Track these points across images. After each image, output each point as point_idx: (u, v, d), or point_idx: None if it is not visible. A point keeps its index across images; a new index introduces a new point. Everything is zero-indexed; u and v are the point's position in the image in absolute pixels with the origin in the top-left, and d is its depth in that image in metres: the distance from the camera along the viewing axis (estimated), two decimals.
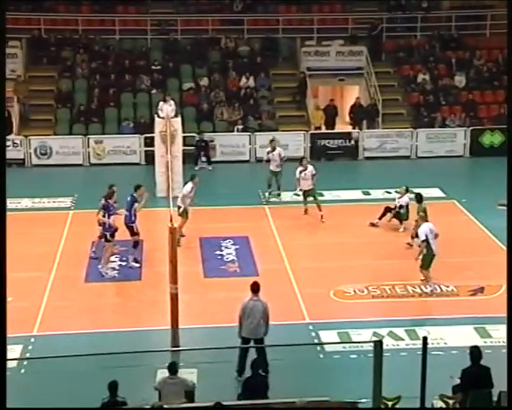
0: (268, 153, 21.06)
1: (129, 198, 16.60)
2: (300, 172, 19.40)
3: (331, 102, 27.16)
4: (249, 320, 12.08)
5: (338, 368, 12.85)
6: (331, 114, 26.71)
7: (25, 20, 27.68)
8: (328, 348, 13.29)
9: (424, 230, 15.18)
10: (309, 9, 29.48)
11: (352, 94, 28.40)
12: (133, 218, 16.46)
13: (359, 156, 25.60)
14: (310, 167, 19.50)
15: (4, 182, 8.43)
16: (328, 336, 13.78)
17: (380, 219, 18.65)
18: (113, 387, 10.11)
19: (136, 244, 16.65)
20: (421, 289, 15.46)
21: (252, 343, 12.12)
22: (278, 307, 14.89)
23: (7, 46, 26.94)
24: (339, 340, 13.61)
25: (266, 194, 20.84)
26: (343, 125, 27.72)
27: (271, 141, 21.56)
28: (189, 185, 17.78)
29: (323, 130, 26.54)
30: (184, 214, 17.55)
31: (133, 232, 16.52)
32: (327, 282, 15.80)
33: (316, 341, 13.69)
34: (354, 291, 15.53)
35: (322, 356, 13.13)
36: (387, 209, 18.74)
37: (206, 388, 11.19)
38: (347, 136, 25.84)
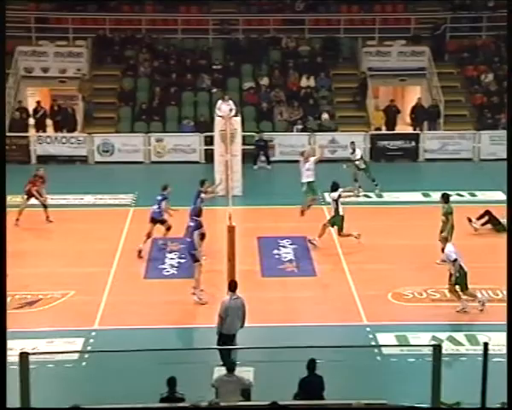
0: (351, 154, 21.61)
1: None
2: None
3: (392, 103, 26.91)
4: (230, 318, 12.34)
5: (395, 371, 12.73)
6: (392, 114, 26.47)
7: (91, 20, 28.25)
8: (385, 350, 13.17)
9: (452, 249, 14.75)
10: (371, 9, 29.27)
11: (414, 95, 28.08)
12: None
13: (420, 158, 25.30)
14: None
15: (4, 182, 8.58)
16: (385, 338, 13.65)
17: (478, 219, 18.46)
18: (172, 382, 10.24)
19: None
20: (483, 294, 15.18)
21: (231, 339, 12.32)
22: (335, 307, 14.90)
23: (74, 45, 27.66)
24: (396, 343, 13.48)
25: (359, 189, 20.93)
26: (404, 127, 27.43)
27: (352, 143, 21.90)
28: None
29: (384, 131, 26.33)
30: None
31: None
32: (385, 284, 15.66)
33: (373, 343, 13.59)
34: (413, 294, 15.36)
35: (379, 359, 13.02)
36: (487, 213, 18.49)
37: (263, 387, 11.20)
38: (408, 137, 25.59)
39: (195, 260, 15.07)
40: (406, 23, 28.60)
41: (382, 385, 12.26)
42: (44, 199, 19.08)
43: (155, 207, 17.24)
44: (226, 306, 12.33)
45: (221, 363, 11.65)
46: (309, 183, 19.15)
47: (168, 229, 17.32)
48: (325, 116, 26.01)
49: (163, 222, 17.25)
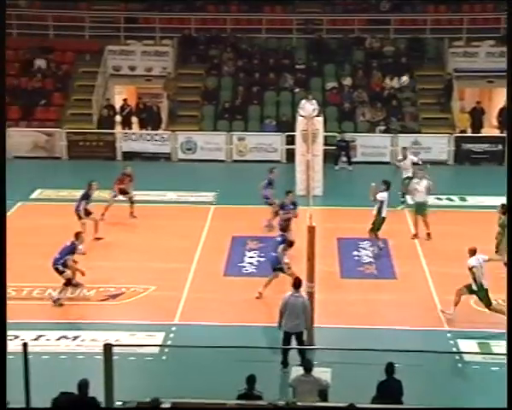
0: (399, 160, 20.78)
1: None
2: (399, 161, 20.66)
3: (478, 105, 26.32)
4: (290, 315, 12.31)
5: (477, 379, 12.45)
6: (478, 117, 25.89)
7: (177, 20, 28.74)
8: (467, 357, 12.90)
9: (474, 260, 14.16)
10: (459, 9, 28.70)
11: (501, 97, 27.31)
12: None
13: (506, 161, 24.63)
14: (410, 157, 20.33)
15: (4, 182, 8.71)
16: (467, 345, 13.37)
17: None
18: (251, 380, 10.31)
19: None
20: None
21: (293, 338, 12.40)
22: (415, 312, 14.68)
23: (160, 44, 28.20)
24: (479, 350, 13.18)
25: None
26: (490, 129, 26.77)
27: (404, 148, 21.24)
28: None
29: (469, 133, 25.77)
30: None
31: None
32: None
33: (454, 349, 13.33)
34: (496, 301, 14.97)
35: (460, 365, 12.77)
36: None
37: (340, 388, 11.17)
38: (494, 140, 24.97)
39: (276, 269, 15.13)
40: (495, 23, 27.89)
41: (462, 393, 12.02)
42: (131, 196, 19.50)
43: None
44: (285, 301, 12.46)
45: (298, 363, 11.68)
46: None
47: None
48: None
49: None
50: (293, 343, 12.46)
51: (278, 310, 12.56)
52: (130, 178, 19.58)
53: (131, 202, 19.46)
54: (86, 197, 18.07)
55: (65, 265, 14.85)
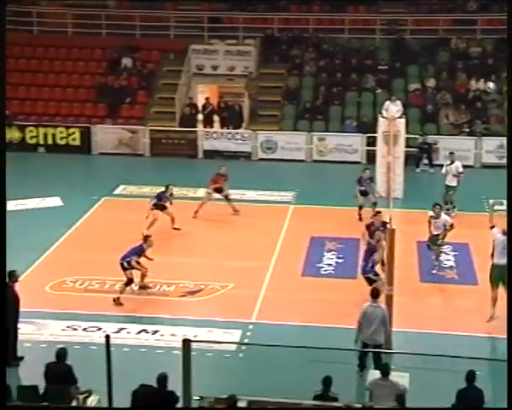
0: (446, 165, 20.10)
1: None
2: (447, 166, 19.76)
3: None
4: (367, 325, 12.02)
5: None
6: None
7: (260, 20, 28.89)
8: None
9: None
10: None
11: None
12: None
13: None
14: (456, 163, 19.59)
15: (4, 182, 8.78)
16: None
17: None
18: (327, 381, 10.29)
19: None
20: None
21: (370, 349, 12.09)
22: (497, 319, 14.31)
23: (243, 44, 28.41)
24: None
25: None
26: None
27: (451, 153, 20.62)
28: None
29: None
30: None
31: None
32: None
33: None
34: None
35: None
36: None
37: (418, 394, 11.01)
38: None
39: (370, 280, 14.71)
40: None
41: None
42: (227, 194, 19.68)
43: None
44: (363, 311, 12.22)
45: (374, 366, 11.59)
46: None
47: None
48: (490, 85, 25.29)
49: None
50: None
51: (356, 321, 12.35)
52: (225, 178, 19.75)
53: (228, 199, 19.67)
54: (158, 197, 18.39)
55: (129, 264, 15.13)
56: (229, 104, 26.99)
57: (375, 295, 12.35)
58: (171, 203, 18.51)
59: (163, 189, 18.74)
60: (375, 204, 18.99)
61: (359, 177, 19.42)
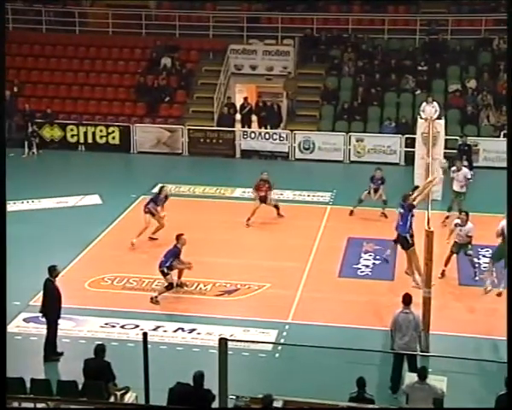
0: (453, 172, 19.63)
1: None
2: (453, 172, 19.29)
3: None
4: (401, 334, 11.79)
5: None
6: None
7: (299, 20, 28.86)
8: None
9: None
10: None
11: None
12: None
13: None
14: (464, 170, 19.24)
15: (4, 182, 8.77)
16: None
17: None
18: (360, 383, 10.26)
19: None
20: None
21: (405, 358, 11.79)
22: None
23: (281, 44, 28.41)
24: None
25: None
26: None
27: (457, 161, 20.20)
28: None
29: None
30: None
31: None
32: None
33: None
34: None
35: None
36: None
37: (456, 398, 10.91)
38: None
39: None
40: None
41: None
42: (270, 203, 19.25)
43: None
44: (394, 319, 12.02)
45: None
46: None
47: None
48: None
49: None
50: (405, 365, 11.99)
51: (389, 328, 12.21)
52: (268, 184, 19.24)
53: (274, 206, 19.40)
54: (154, 201, 17.95)
55: (170, 268, 15.21)
56: (268, 104, 27.01)
57: (407, 301, 12.10)
58: (162, 206, 17.93)
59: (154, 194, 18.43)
60: (385, 202, 19.46)
61: (372, 175, 19.91)
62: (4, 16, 11.88)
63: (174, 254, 15.30)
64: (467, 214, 16.35)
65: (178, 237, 15.53)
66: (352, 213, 19.70)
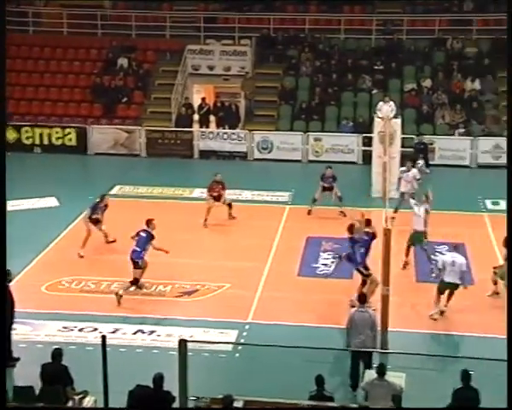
0: (401, 172, 19.88)
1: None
2: (402, 173, 19.62)
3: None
4: (355, 332, 11.89)
5: None
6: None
7: (256, 20, 28.88)
8: None
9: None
10: None
11: None
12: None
13: None
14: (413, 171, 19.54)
15: (4, 182, 8.79)
16: None
17: None
18: (319, 380, 10.30)
19: None
20: None
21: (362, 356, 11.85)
22: (494, 318, 14.36)
23: (239, 44, 28.41)
24: None
25: None
26: None
27: (409, 161, 20.49)
28: None
29: None
30: None
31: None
32: None
33: None
34: None
35: None
36: None
37: (414, 394, 11.02)
38: None
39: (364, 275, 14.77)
40: None
41: None
42: (226, 202, 19.26)
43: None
44: (350, 317, 12.11)
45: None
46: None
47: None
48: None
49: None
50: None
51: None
52: (222, 186, 19.27)
53: (228, 204, 19.34)
54: (93, 208, 17.52)
55: (143, 262, 15.12)
56: (226, 104, 26.97)
57: (362, 300, 12.23)
58: (101, 216, 17.52)
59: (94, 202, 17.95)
60: (340, 199, 19.69)
61: (322, 174, 20.09)
62: (5, 17, 11.63)
63: (148, 239, 15.17)
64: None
65: (149, 221, 15.41)
66: (309, 212, 19.80)
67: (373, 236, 15.09)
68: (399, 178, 19.68)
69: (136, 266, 15.13)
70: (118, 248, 17.35)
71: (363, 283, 14.84)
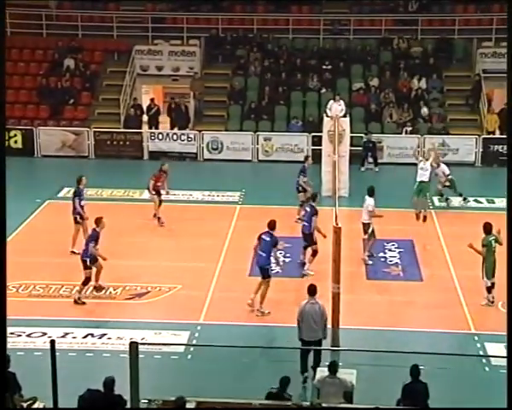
0: (419, 161, 20.33)
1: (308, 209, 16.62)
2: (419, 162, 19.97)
3: (507, 106, 26.03)
4: (307, 323, 12.12)
5: (504, 383, 12.30)
6: (506, 118, 25.61)
7: (204, 20, 28.83)
8: (494, 361, 12.76)
9: None
10: (488, 9, 28.44)
11: None
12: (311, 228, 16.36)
13: None
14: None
15: (4, 182, 8.72)
16: (494, 348, 13.24)
17: None
18: (284, 382, 10.29)
19: (315, 253, 16.53)
20: None
21: (312, 346, 12.11)
22: (442, 314, 14.59)
23: (187, 44, 28.30)
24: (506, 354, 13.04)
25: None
26: None
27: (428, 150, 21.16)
28: None
29: (497, 135, 25.53)
30: None
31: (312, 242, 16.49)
32: (495, 293, 15.15)
33: (481, 352, 13.22)
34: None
35: (487, 369, 12.66)
36: None
37: (365, 390, 11.13)
38: None
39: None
40: None
41: (488, 397, 11.89)
42: (166, 192, 19.39)
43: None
44: (301, 309, 12.28)
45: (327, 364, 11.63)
46: (420, 182, 19.09)
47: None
48: (424, 110, 25.48)
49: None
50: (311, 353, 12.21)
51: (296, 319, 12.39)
52: (166, 175, 19.42)
53: (160, 202, 19.41)
54: (78, 194, 17.49)
55: (91, 256, 14.93)
56: (176, 105, 26.82)
57: (311, 291, 12.41)
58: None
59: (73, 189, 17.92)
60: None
61: (302, 166, 19.81)
62: (4, 17, 11.29)
63: (92, 237, 15.01)
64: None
65: (98, 220, 15.25)
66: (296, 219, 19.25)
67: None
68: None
69: (84, 265, 14.93)
70: (66, 252, 17.11)
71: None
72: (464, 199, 20.56)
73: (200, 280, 16.06)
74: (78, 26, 28.50)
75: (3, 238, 8.40)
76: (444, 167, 20.44)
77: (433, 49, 27.92)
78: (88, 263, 14.94)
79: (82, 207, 17.40)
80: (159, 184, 19.24)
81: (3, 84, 11.77)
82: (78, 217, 17.33)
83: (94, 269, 15.18)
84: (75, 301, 14.82)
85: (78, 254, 15.83)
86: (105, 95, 27.37)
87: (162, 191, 19.27)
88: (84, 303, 14.84)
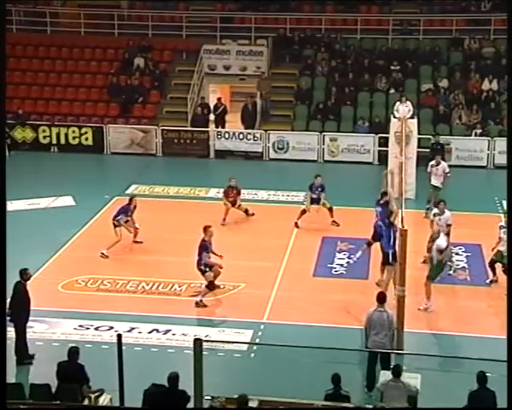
0: (431, 166, 19.95)
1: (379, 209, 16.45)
2: (432, 167, 19.63)
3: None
4: (375, 332, 11.83)
5: None
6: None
7: (273, 20, 28.90)
8: None
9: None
10: None
11: None
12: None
13: None
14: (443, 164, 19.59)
15: (4, 183, 8.78)
16: None
17: None
18: (335, 379, 10.28)
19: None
20: None
21: (378, 356, 11.83)
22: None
23: (255, 44, 28.41)
24: None
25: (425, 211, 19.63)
26: None
27: (437, 156, 20.48)
28: None
29: None
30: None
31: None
32: None
33: None
34: None
35: None
36: None
37: (430, 395, 10.97)
38: None
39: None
40: None
41: None
42: (241, 208, 19.33)
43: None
44: (368, 317, 12.07)
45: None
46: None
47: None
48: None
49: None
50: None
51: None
52: (237, 191, 19.33)
53: (244, 211, 19.37)
54: (125, 212, 17.51)
55: (207, 265, 15.11)
56: (243, 104, 26.93)
57: (381, 299, 12.16)
58: (132, 217, 17.53)
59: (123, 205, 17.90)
60: (330, 210, 19.14)
61: (311, 183, 19.38)
62: (4, 17, 11.67)
63: (205, 248, 15.15)
64: (444, 203, 16.63)
65: (205, 228, 15.34)
66: (296, 224, 19.16)
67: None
68: (429, 172, 19.68)
69: (201, 272, 15.12)
70: (134, 248, 17.43)
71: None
72: (428, 209, 19.46)
73: (264, 279, 16.12)
74: (148, 25, 28.97)
75: (3, 238, 8.51)
76: (444, 165, 19.94)
77: (506, 49, 27.27)
78: (203, 269, 15.07)
79: (126, 221, 17.44)
80: (230, 199, 19.23)
81: (4, 85, 11.94)
82: (116, 223, 17.37)
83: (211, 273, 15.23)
84: (196, 304, 14.94)
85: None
86: (173, 93, 27.73)
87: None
88: (205, 306, 14.92)
